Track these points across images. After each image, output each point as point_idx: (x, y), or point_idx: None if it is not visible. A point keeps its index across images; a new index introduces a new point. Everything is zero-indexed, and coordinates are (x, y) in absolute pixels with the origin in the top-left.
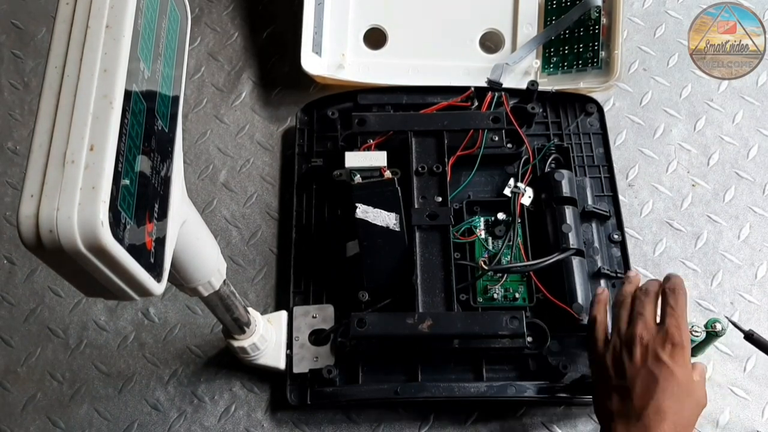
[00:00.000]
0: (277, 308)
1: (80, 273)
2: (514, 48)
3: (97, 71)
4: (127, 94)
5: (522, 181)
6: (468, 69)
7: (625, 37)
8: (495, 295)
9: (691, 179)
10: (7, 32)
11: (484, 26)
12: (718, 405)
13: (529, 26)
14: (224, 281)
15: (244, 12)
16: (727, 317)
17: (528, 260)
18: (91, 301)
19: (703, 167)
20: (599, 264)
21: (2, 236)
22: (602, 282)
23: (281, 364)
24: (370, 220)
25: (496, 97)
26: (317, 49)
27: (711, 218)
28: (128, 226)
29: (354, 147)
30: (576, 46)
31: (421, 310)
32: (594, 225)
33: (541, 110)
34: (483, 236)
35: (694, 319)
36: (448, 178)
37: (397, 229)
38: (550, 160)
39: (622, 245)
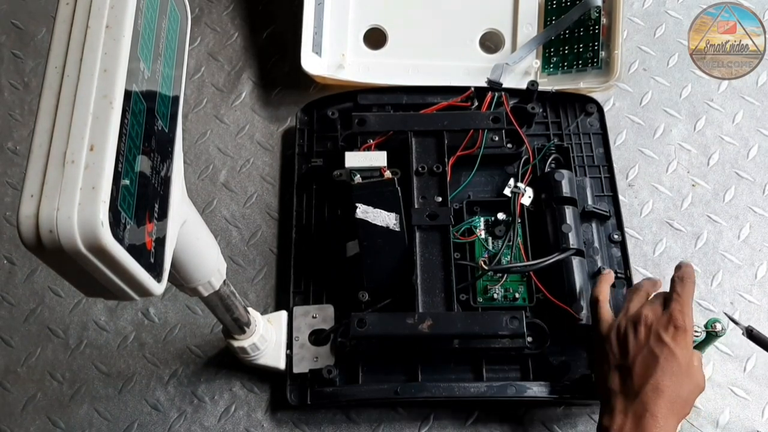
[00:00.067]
0: (277, 308)
1: (80, 273)
2: (514, 48)
3: (97, 71)
4: (127, 94)
5: (522, 181)
6: (468, 69)
7: (625, 37)
8: (495, 295)
9: (691, 179)
10: (7, 32)
11: (484, 26)
12: (718, 405)
13: (529, 26)
14: (224, 281)
15: (244, 12)
16: (726, 314)
17: (528, 260)
18: (91, 301)
19: (703, 167)
20: (599, 264)
21: (2, 236)
22: None
23: (281, 364)
24: (370, 220)
25: (496, 97)
26: (317, 49)
27: (711, 218)
28: (128, 226)
29: (354, 147)
30: (576, 46)
31: (421, 310)
32: (594, 225)
33: (541, 110)
34: (483, 236)
35: (694, 319)
36: (448, 178)
37: (397, 229)
38: (550, 160)
39: (622, 245)
